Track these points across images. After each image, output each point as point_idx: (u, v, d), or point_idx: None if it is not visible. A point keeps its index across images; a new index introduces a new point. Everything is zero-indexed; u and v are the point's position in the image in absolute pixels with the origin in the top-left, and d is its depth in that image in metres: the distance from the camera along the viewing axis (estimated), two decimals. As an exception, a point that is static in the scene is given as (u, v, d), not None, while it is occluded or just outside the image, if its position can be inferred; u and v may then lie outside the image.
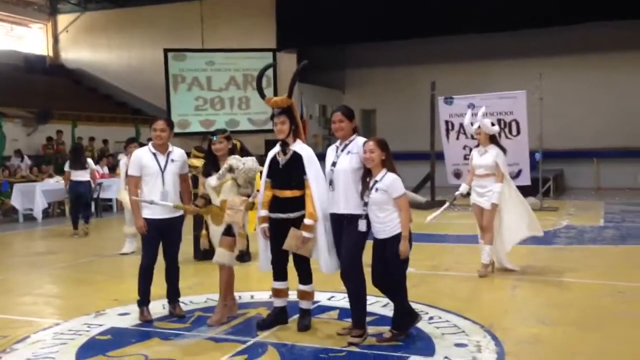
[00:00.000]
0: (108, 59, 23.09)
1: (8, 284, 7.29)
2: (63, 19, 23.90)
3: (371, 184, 4.45)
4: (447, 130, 12.96)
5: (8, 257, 9.38)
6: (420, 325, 4.84)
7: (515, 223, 6.84)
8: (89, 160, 11.31)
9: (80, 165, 10.79)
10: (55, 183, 14.04)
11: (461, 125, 11.91)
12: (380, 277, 4.55)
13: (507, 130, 11.74)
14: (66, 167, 11.01)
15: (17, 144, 16.24)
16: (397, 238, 4.40)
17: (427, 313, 5.26)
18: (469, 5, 16.94)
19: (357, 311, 4.61)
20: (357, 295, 4.60)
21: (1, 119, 14.67)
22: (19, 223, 13.23)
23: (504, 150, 6.90)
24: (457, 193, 7.04)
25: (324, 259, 4.69)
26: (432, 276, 7.01)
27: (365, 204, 4.46)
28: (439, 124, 13.29)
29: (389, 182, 4.42)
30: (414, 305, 4.84)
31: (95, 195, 13.23)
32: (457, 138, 12.71)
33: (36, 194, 13.20)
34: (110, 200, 14.52)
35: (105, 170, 15.09)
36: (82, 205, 11.09)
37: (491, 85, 15.86)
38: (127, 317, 5.40)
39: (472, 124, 7.35)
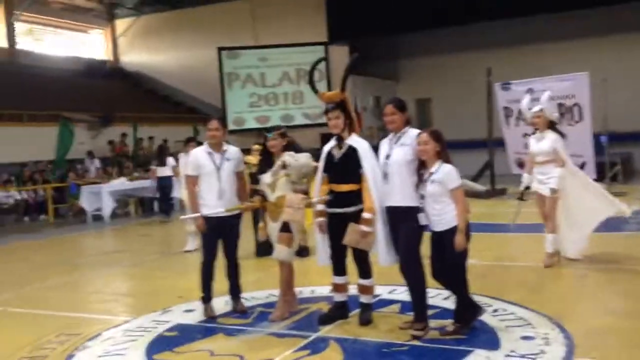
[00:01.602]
0: (164, 61, 23.60)
1: (80, 283, 7.60)
2: (121, 24, 24.58)
3: (426, 176, 4.39)
4: (507, 117, 12.66)
5: (79, 257, 9.75)
6: (484, 318, 4.75)
7: (590, 207, 6.57)
8: (170, 159, 12.74)
9: (163, 162, 12.60)
10: (120, 184, 14.51)
11: (520, 111, 11.60)
12: (439, 270, 4.49)
13: (568, 116, 11.34)
14: (152, 165, 13.10)
15: (84, 147, 16.85)
16: (454, 230, 4.33)
17: (491, 305, 5.16)
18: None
19: (418, 304, 4.57)
20: (417, 289, 4.55)
21: (68, 123, 15.23)
22: (88, 224, 13.74)
23: (562, 135, 6.68)
24: (522, 187, 6.85)
25: (382, 252, 4.67)
26: (496, 267, 6.87)
27: (422, 197, 4.41)
28: (497, 111, 13.00)
29: (444, 174, 4.34)
30: (476, 298, 4.76)
31: (157, 195, 13.68)
32: (517, 125, 12.38)
33: (103, 195, 13.70)
34: (172, 198, 14.83)
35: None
36: (166, 198, 12.83)
37: (549, 69, 15.31)
38: (192, 313, 5.53)
39: (530, 109, 7.15)
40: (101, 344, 4.86)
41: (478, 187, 13.69)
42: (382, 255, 4.68)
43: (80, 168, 16.06)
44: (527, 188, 6.88)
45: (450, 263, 4.42)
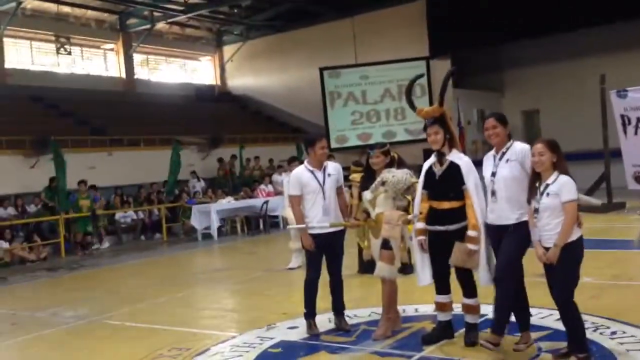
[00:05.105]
0: (269, 83, 24.36)
1: (190, 299, 7.92)
2: (228, 50, 25.67)
3: (542, 189, 4.13)
4: (624, 125, 11.91)
5: (190, 274, 10.18)
6: (600, 340, 4.45)
7: None
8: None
9: None
10: (227, 203, 15.04)
11: (638, 119, 10.92)
12: (551, 288, 4.19)
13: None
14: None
15: (193, 168, 17.66)
16: (567, 247, 4.04)
17: (608, 327, 4.83)
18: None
19: (500, 319, 4.34)
20: (505, 304, 4.31)
21: (179, 146, 16.05)
22: (198, 241, 14.33)
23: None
24: None
25: (483, 271, 4.51)
26: (614, 286, 6.43)
27: (536, 211, 4.15)
28: (612, 119, 12.26)
29: (560, 184, 4.06)
30: (592, 319, 4.47)
31: (263, 213, 14.07)
32: (636, 133, 11.63)
33: (211, 214, 14.26)
34: (276, 217, 15.21)
35: (270, 188, 15.89)
36: None
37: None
38: (295, 330, 5.58)
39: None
40: (210, 359, 5.01)
41: (593, 201, 12.92)
42: (483, 275, 4.52)
43: (188, 188, 16.83)
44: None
45: (559, 281, 4.11)
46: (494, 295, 4.38)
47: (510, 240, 4.30)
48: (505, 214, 4.34)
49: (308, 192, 5.37)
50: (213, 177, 18.42)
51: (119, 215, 15.21)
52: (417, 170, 5.22)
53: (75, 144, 16.10)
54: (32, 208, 14.08)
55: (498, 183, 4.37)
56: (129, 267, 11.35)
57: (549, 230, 4.11)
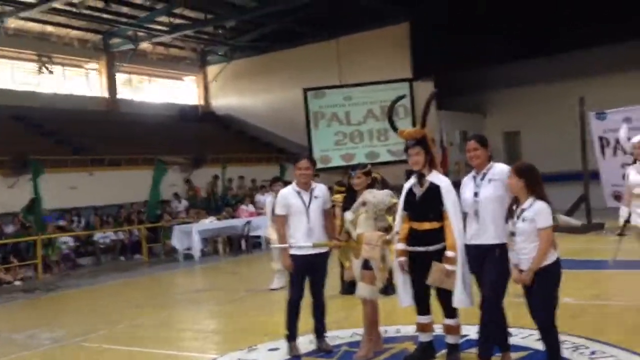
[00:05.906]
0: (253, 103, 24.37)
1: (170, 320, 7.82)
2: (212, 70, 25.70)
3: (518, 212, 4.16)
4: (602, 147, 12.11)
5: (171, 295, 10.08)
6: (581, 361, 4.46)
7: None
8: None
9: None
10: (210, 223, 14.94)
11: (617, 141, 11.08)
12: (530, 309, 4.21)
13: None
14: None
15: (175, 189, 17.55)
16: (544, 270, 4.05)
17: (587, 347, 4.84)
18: (616, 13, 15.81)
19: (485, 341, 4.34)
20: (491, 326, 4.32)
21: (162, 166, 15.91)
22: (180, 262, 14.19)
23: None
24: (621, 220, 6.45)
25: (458, 292, 4.51)
26: (593, 306, 6.46)
27: (512, 234, 4.16)
28: (591, 141, 12.45)
29: (535, 211, 4.09)
30: (573, 339, 4.48)
31: (245, 233, 13.97)
32: (614, 154, 11.81)
33: (193, 234, 14.13)
34: (259, 237, 15.14)
35: (252, 208, 15.83)
36: None
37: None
38: (276, 352, 5.51)
39: (629, 138, 6.79)
40: (188, 381, 4.95)
41: (573, 221, 13.05)
42: (458, 296, 4.52)
43: (170, 208, 16.68)
44: (627, 222, 6.46)
45: (539, 303, 4.13)
46: (480, 319, 4.36)
47: (496, 264, 4.30)
48: (489, 233, 4.35)
49: (293, 212, 5.36)
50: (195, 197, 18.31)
51: (97, 235, 15.03)
52: (399, 190, 5.24)
53: (55, 163, 15.91)
54: (10, 228, 13.86)
55: (482, 203, 4.39)
56: (107, 287, 11.20)
57: (525, 254, 4.13)
